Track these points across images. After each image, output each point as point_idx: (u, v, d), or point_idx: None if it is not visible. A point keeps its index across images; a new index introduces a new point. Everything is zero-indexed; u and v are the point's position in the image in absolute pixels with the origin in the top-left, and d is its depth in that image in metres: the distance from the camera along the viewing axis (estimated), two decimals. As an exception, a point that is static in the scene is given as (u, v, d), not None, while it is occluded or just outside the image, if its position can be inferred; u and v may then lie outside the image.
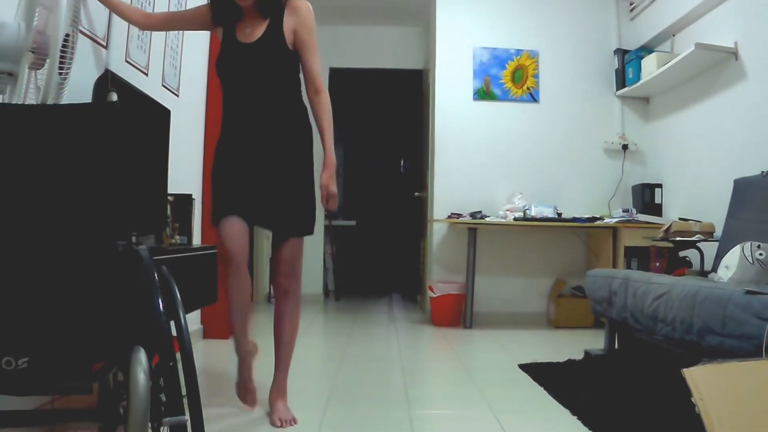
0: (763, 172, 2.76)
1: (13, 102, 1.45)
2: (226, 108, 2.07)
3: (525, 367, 2.82)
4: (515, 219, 4.17)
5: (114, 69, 2.14)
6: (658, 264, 3.47)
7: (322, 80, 2.10)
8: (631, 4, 4.60)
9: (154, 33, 2.67)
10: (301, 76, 2.09)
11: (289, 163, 2.03)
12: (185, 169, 3.10)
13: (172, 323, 1.28)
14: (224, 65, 2.03)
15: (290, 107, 2.05)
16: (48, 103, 1.54)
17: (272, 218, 2.03)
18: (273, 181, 2.00)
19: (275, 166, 2.01)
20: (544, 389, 2.44)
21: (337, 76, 5.73)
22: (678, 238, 3.08)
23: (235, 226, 1.97)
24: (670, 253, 3.35)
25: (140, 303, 1.17)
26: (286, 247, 2.06)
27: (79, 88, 1.91)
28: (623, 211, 4.12)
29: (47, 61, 1.51)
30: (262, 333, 2.61)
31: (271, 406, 2.06)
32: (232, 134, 2.04)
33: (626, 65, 4.45)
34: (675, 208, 4.04)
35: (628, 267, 3.87)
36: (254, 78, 2.00)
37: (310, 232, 2.10)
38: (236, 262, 1.97)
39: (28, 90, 1.54)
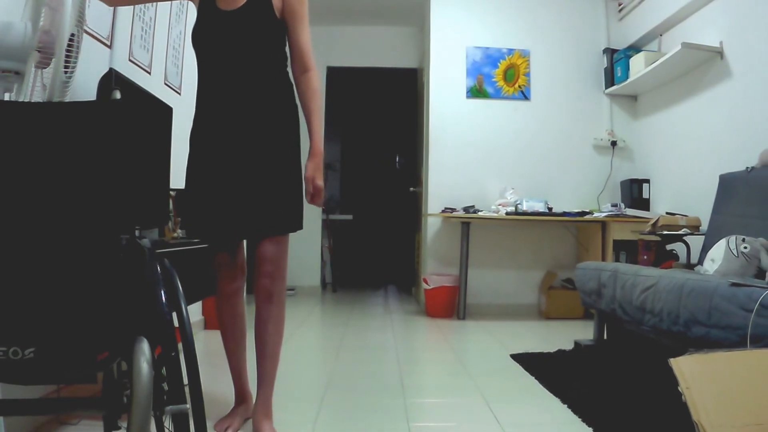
0: (747, 167, 2.80)
1: (20, 100, 1.47)
2: (201, 86, 1.82)
3: (516, 357, 2.87)
4: (507, 213, 4.22)
5: (118, 68, 2.14)
6: (645, 257, 3.52)
7: (312, 57, 1.82)
8: (619, 5, 4.65)
9: (156, 33, 2.67)
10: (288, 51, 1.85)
11: (271, 150, 1.78)
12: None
13: (174, 314, 1.30)
14: (201, 35, 1.79)
15: (274, 84, 1.79)
16: (54, 100, 1.57)
17: (256, 221, 1.77)
18: (253, 172, 1.76)
19: (256, 154, 1.76)
20: (535, 378, 2.48)
21: (334, 74, 5.78)
22: (665, 232, 3.13)
23: (226, 261, 1.88)
24: (657, 247, 3.40)
25: (143, 295, 1.18)
26: (269, 243, 1.78)
27: (83, 87, 1.94)
28: (612, 206, 4.17)
29: (53, 60, 1.52)
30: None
31: (256, 430, 1.77)
32: (206, 117, 1.81)
33: (615, 64, 4.51)
34: (662, 202, 4.10)
35: (617, 260, 3.92)
36: (235, 50, 1.75)
37: (298, 227, 1.82)
38: (228, 295, 1.92)
39: (35, 88, 1.55)
